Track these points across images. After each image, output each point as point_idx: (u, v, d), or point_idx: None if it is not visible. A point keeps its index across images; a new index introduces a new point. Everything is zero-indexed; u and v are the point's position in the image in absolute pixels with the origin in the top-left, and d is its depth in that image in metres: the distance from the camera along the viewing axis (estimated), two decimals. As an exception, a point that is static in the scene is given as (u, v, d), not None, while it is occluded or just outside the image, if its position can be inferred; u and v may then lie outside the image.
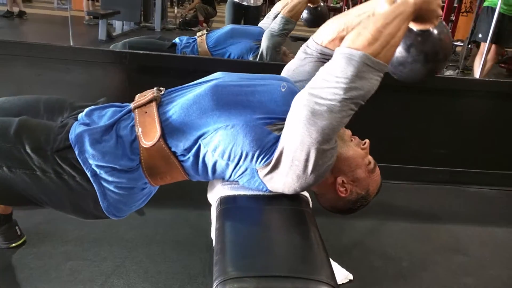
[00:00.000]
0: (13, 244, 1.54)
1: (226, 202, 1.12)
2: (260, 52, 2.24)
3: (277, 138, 1.03)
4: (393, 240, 1.85)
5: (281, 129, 1.05)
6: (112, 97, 2.01)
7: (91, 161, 1.03)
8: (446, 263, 1.70)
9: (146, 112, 1.09)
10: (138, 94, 1.18)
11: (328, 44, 1.26)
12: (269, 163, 1.03)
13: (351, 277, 1.55)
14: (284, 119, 1.05)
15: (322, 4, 2.43)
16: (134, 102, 1.13)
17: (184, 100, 1.09)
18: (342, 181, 1.11)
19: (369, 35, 0.95)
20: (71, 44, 2.41)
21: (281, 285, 0.82)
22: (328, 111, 0.94)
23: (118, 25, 6.03)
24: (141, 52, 1.98)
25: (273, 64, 2.10)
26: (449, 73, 3.94)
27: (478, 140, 2.37)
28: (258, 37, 2.31)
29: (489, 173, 2.43)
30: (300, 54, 1.32)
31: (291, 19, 2.21)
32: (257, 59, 2.22)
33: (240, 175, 1.09)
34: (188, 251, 1.63)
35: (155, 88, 1.18)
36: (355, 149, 1.16)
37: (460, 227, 2.00)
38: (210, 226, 1.16)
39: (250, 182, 1.09)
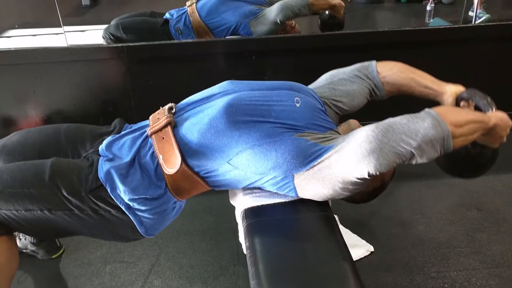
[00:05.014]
0: (54, 255, 1.64)
1: (252, 215, 1.17)
2: (263, 14, 2.16)
3: (318, 147, 1.06)
4: (408, 203, 1.92)
5: (319, 139, 1.08)
6: (117, 91, 2.01)
7: (123, 196, 1.07)
8: (461, 222, 1.78)
9: (163, 138, 1.11)
10: (152, 116, 1.19)
11: (384, 80, 1.32)
12: (311, 167, 1.06)
13: (372, 248, 1.64)
14: (308, 128, 1.09)
15: (341, 17, 2.29)
16: (149, 128, 1.15)
17: (200, 123, 1.10)
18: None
19: (460, 119, 1.03)
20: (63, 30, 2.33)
21: (316, 307, 0.90)
22: (394, 154, 0.99)
23: (100, -15, 5.72)
24: (138, 44, 1.92)
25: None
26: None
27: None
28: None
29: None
30: (355, 71, 1.33)
31: (311, 7, 2.14)
32: (257, 21, 2.14)
33: (272, 183, 1.12)
34: (215, 240, 1.72)
35: (167, 107, 1.18)
36: None
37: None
38: (233, 215, 1.26)
39: (281, 187, 1.12)
